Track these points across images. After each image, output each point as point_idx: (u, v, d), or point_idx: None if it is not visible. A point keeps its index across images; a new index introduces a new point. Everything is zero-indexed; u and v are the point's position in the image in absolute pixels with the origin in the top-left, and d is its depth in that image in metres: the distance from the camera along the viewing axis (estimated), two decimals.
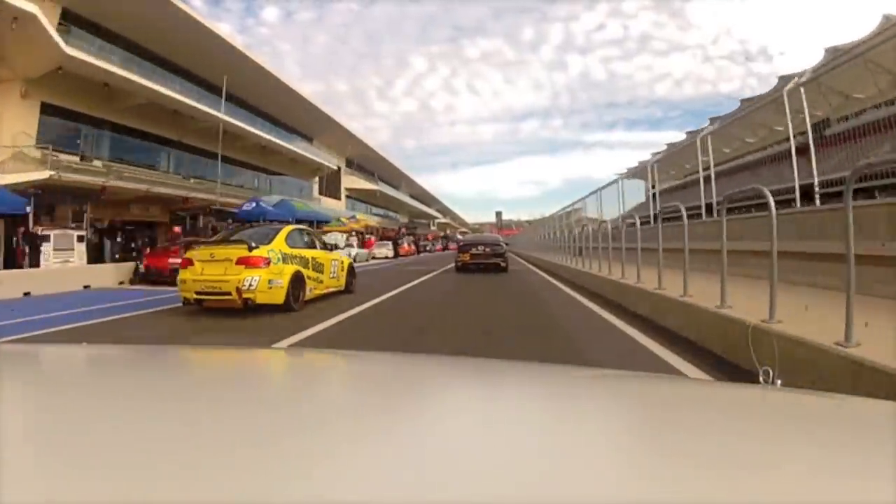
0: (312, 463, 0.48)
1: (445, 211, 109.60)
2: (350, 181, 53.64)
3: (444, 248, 57.84)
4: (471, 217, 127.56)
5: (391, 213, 67.71)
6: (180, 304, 7.67)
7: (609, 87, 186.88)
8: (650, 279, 6.50)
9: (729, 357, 3.85)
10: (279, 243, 7.62)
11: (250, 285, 6.91)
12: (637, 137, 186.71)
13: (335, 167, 44.53)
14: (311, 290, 8.04)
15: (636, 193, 13.88)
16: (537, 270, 16.60)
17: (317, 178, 44.17)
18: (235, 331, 6.16)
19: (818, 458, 0.54)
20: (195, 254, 7.40)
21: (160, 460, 0.47)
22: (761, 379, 0.98)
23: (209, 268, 7.16)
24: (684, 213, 5.66)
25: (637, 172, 18.66)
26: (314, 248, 8.59)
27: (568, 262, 13.64)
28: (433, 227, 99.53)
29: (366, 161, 56.99)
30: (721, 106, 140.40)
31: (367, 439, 0.55)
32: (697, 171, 9.76)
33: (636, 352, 4.57)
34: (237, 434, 0.57)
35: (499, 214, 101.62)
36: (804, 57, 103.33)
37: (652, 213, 10.77)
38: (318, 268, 8.36)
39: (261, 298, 6.98)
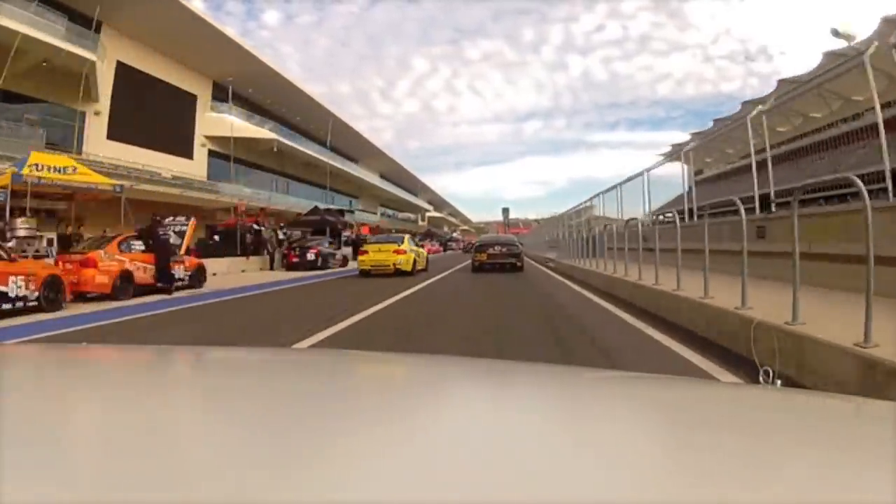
0: (320, 464, 0.49)
1: (440, 204, 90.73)
2: (219, 125, 30.03)
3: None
4: (476, 216, 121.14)
5: (341, 197, 49.04)
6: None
7: (611, 87, 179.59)
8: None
9: None
10: (406, 243, 15.81)
11: (400, 262, 14.94)
12: (640, 137, 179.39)
13: (92, 58, 21.26)
14: (417, 267, 16.02)
15: (664, 188, 11.74)
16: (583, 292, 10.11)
17: (99, 108, 22.88)
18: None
19: (818, 458, 0.55)
20: (368, 248, 15.64)
21: (163, 461, 0.47)
22: (761, 379, 1.03)
23: (377, 255, 15.14)
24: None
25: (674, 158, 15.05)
26: (415, 246, 17.32)
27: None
28: (422, 223, 79.70)
29: (273, 97, 33.14)
30: (723, 106, 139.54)
31: (374, 440, 0.56)
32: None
33: None
34: (241, 434, 0.57)
35: (506, 211, 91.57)
36: (805, 57, 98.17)
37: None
38: (419, 256, 16.75)
39: (403, 268, 14.96)
